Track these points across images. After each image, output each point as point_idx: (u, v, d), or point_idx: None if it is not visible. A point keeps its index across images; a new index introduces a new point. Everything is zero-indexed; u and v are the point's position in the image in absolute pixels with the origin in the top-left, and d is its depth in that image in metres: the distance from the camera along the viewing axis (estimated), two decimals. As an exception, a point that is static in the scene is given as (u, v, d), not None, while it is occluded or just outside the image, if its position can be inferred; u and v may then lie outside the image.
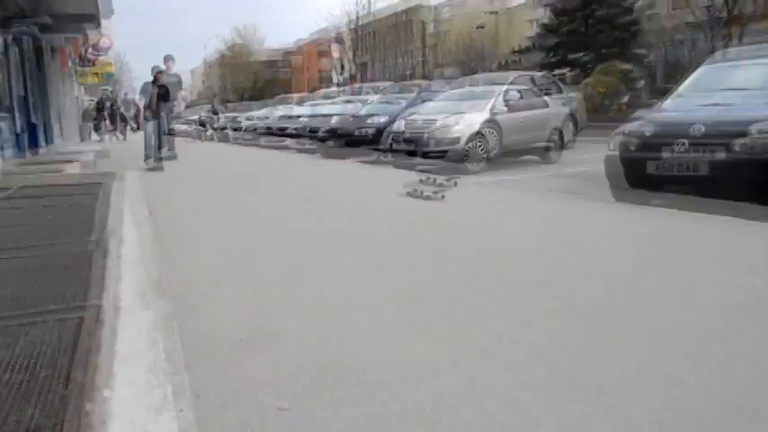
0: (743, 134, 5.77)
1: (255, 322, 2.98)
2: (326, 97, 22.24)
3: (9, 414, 1.65)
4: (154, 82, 12.22)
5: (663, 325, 2.88)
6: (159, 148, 12.22)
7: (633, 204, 6.38)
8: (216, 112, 30.36)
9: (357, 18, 58.69)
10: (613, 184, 6.86)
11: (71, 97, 28.96)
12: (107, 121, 30.78)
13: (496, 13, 54.27)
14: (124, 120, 33.56)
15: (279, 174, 11.09)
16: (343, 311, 3.14)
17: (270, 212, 6.45)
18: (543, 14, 40.26)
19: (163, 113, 12.24)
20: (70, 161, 9.79)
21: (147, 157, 12.23)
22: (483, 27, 53.76)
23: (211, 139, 26.87)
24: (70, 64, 26.21)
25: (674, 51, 31.37)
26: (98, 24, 17.90)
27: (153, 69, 12.59)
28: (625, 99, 23.70)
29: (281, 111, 24.60)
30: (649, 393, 2.18)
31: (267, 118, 24.64)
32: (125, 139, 30.08)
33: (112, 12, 18.48)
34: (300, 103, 24.79)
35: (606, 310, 3.11)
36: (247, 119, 27.21)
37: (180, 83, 13.06)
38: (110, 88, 40.64)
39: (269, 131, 22.28)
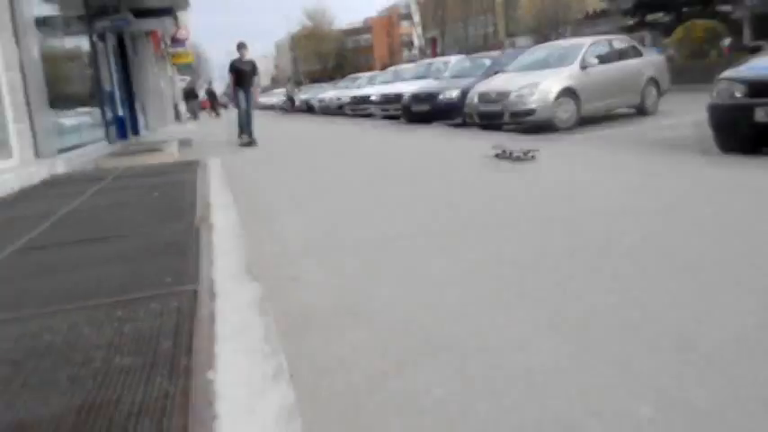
0: None
1: (352, 293, 3.03)
2: (396, 76, 21.81)
3: (140, 384, 1.76)
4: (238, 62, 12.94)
5: (781, 281, 2.71)
6: (247, 125, 12.95)
7: (740, 156, 6.03)
8: (291, 98, 33.98)
9: None
10: (718, 134, 6.48)
11: (166, 79, 30.20)
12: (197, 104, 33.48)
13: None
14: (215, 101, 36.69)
15: (365, 143, 11.18)
16: (441, 278, 3.14)
17: (355, 181, 6.51)
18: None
19: (241, 95, 12.93)
20: (158, 149, 10.17)
21: (240, 134, 13.11)
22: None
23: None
24: (162, 46, 27.27)
25: (762, 6, 28.89)
26: (175, 17, 18.50)
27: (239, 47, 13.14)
28: (727, 43, 22.23)
29: (351, 91, 24.60)
30: (766, 352, 2.07)
31: (339, 99, 24.81)
32: (218, 116, 32.93)
33: (188, 4, 18.99)
34: (372, 81, 24.62)
35: (718, 269, 2.96)
36: (320, 101, 27.44)
37: (254, 69, 13.16)
38: (188, 78, 42.50)
39: (354, 100, 22.44)
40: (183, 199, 5.06)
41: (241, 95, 12.92)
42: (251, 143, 12.67)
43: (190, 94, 34.26)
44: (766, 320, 2.33)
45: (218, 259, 3.07)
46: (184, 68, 42.88)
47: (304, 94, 33.28)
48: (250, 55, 13.26)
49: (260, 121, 16.22)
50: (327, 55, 77.65)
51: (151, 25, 20.13)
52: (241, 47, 12.95)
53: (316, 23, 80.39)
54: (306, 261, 3.63)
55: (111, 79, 14.82)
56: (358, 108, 21.73)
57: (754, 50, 8.31)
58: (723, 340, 2.19)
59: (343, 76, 47.37)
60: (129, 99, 17.18)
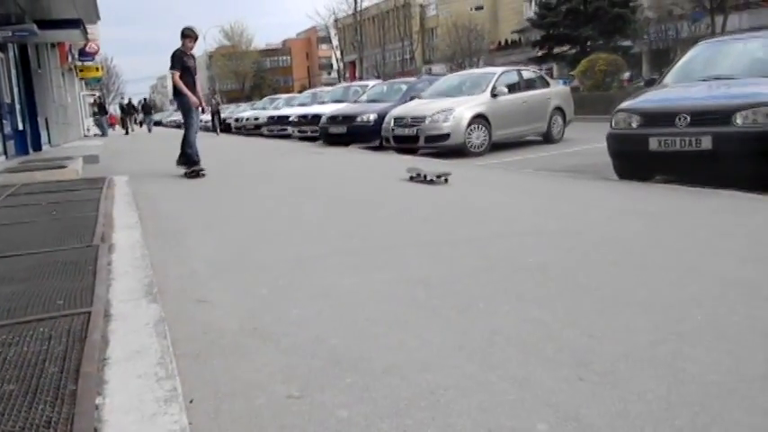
0: (743, 108, 5.74)
1: (262, 311, 2.98)
2: (315, 98, 21.87)
3: (20, 411, 1.65)
4: (183, 55, 9.21)
5: (670, 300, 2.87)
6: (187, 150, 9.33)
7: (637, 182, 6.37)
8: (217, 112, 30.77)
9: (352, 14, 58.00)
10: (616, 161, 6.83)
11: (72, 93, 28.99)
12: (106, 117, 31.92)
13: (482, 8, 54.06)
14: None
15: (280, 163, 11.09)
16: (352, 299, 3.14)
17: (272, 200, 6.44)
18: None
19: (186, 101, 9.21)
20: (61, 165, 9.70)
21: (183, 158, 9.43)
22: (482, 8, 53.58)
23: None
24: (70, 59, 26.21)
25: (659, 41, 31.09)
26: (84, 30, 17.83)
27: (181, 31, 9.30)
28: (626, 76, 23.61)
29: (269, 111, 24.57)
30: (658, 369, 2.18)
31: (257, 119, 24.78)
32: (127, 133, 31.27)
33: (98, 17, 18.33)
34: (290, 102, 24.63)
35: (616, 288, 3.11)
36: (236, 120, 27.28)
37: (195, 66, 9.62)
38: (97, 93, 40.98)
39: (271, 121, 22.33)
40: (84, 217, 4.85)
41: (187, 101, 9.14)
42: (197, 171, 9.10)
43: (99, 109, 33.03)
44: (656, 338, 2.46)
45: (116, 280, 2.94)
46: (94, 82, 41.34)
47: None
48: (197, 48, 9.89)
49: (171, 141, 15.78)
50: (245, 75, 76.90)
51: (58, 37, 19.33)
52: (187, 34, 9.17)
53: (234, 43, 79.55)
54: (214, 283, 3.54)
55: (11, 91, 14.08)
56: (275, 128, 21.61)
57: (650, 83, 8.85)
58: (616, 357, 2.29)
59: (261, 96, 47.00)
60: (32, 113, 16.36)
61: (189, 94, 9.03)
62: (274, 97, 29.62)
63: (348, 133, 14.31)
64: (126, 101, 40.11)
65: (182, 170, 9.27)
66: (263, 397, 2.12)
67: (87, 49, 26.67)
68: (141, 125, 36.35)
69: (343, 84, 26.24)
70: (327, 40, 70.98)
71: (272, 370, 2.33)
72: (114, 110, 39.04)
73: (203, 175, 9.01)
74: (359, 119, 14.26)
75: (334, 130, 14.81)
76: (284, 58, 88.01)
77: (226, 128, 28.24)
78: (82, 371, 1.85)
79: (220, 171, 9.82)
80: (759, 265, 3.39)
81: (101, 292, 2.70)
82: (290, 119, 19.76)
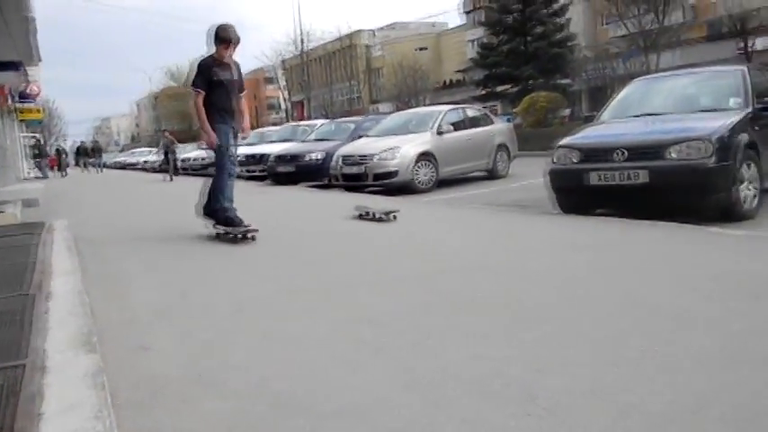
0: (677, 142, 5.99)
1: (206, 360, 2.91)
2: (262, 138, 21.78)
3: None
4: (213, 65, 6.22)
5: (611, 331, 2.93)
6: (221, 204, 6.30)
7: (578, 215, 6.54)
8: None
9: (302, 53, 58.46)
10: (558, 196, 7.01)
11: (12, 135, 28.16)
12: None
13: (426, 48, 55.71)
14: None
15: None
16: (298, 340, 3.10)
17: (217, 244, 6.34)
18: (478, 33, 41.33)
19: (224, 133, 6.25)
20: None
21: (210, 209, 6.42)
22: (426, 48, 54.98)
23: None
24: (9, 101, 25.53)
25: (597, 80, 32.42)
26: (24, 72, 17.43)
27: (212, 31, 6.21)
28: (566, 113, 24.41)
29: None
30: (602, 401, 2.21)
31: (203, 159, 24.37)
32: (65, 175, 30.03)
33: (40, 59, 17.95)
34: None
35: (560, 321, 3.15)
36: (182, 161, 26.44)
37: (242, 81, 6.59)
38: (38, 136, 40.03)
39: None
40: (21, 264, 4.67)
41: (223, 134, 6.20)
42: (242, 233, 6.08)
43: (39, 152, 32.27)
44: (599, 370, 2.50)
45: (53, 330, 2.83)
46: (35, 124, 40.36)
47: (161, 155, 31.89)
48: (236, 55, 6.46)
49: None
50: (191, 115, 76.12)
51: (2, 80, 18.82)
52: (223, 38, 6.14)
53: (180, 83, 78.91)
54: (157, 329, 3.44)
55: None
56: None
57: (589, 119, 9.17)
58: (561, 390, 2.31)
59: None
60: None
61: (209, 130, 6.11)
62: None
63: (296, 172, 14.29)
64: (70, 143, 39.50)
65: (204, 223, 6.50)
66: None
67: (28, 90, 26.05)
68: (89, 167, 35.56)
69: (291, 123, 26.11)
70: (274, 80, 71.17)
71: (217, 418, 2.27)
72: (52, 152, 38.04)
73: (252, 237, 6.07)
74: (307, 158, 14.27)
75: (282, 168, 14.77)
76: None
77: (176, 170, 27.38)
78: (16, 427, 1.77)
79: (163, 212, 9.63)
80: (694, 294, 3.50)
81: (36, 344, 2.60)
82: (238, 158, 19.57)
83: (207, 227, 6.44)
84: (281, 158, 15.00)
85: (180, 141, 37.28)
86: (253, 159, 18.08)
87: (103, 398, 2.12)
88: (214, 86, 6.15)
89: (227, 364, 2.80)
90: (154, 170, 32.08)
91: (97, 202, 13.31)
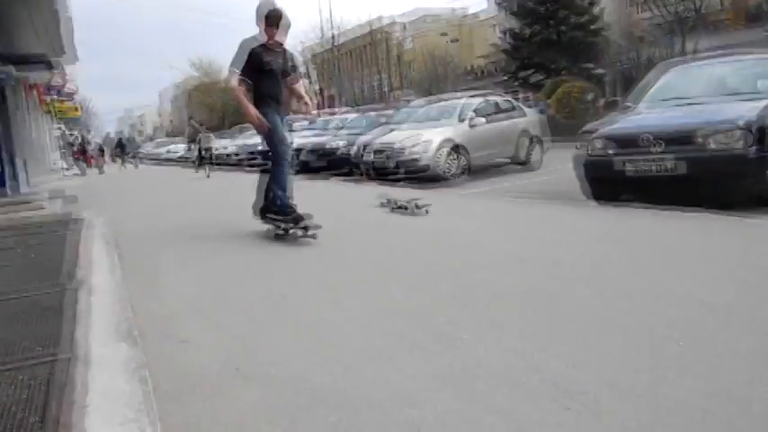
0: (714, 132, 5.86)
1: (243, 353, 2.95)
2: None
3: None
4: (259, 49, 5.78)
5: (650, 326, 2.89)
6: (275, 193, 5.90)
7: (611, 205, 6.45)
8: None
9: (329, 47, 58.32)
10: (593, 186, 6.91)
11: (51, 132, 28.77)
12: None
13: (458, 40, 55.28)
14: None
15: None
16: (333, 334, 3.12)
17: (251, 239, 6.40)
18: (510, 23, 40.87)
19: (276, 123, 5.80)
20: (39, 206, 9.55)
21: (261, 209, 6.13)
22: (457, 41, 54.65)
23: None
24: (48, 99, 26.10)
25: (630, 67, 31.73)
26: (51, 67, 17.72)
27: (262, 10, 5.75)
28: (600, 102, 24.00)
29: (241, 141, 24.24)
30: (640, 397, 2.18)
31: (237, 155, 24.39)
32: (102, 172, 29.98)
33: (77, 58, 18.21)
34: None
35: (597, 315, 3.12)
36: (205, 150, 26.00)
37: (295, 68, 6.35)
38: (75, 133, 40.55)
39: (251, 156, 22.24)
40: (64, 259, 4.79)
41: (273, 120, 5.76)
42: (304, 227, 5.66)
43: (78, 149, 32.74)
44: (638, 365, 2.47)
45: (96, 323, 2.90)
46: (73, 122, 41.12)
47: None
48: (287, 40, 6.04)
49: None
50: (217, 106, 76.11)
51: (36, 78, 19.23)
52: (270, 16, 5.73)
53: (203, 73, 79.14)
54: (194, 322, 3.50)
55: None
56: (255, 161, 21.51)
57: (610, 105, 9.00)
58: (600, 386, 2.29)
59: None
60: (10, 154, 16.20)
61: (252, 113, 5.61)
62: (244, 126, 29.14)
63: (328, 165, 14.37)
64: (109, 136, 39.52)
65: (261, 224, 6.16)
66: (263, 424, 2.10)
67: (66, 89, 26.61)
68: (126, 163, 35.57)
69: (319, 113, 25.93)
70: (305, 74, 71.27)
71: (256, 411, 2.30)
72: (92, 148, 38.30)
73: (312, 235, 5.62)
74: (338, 151, 14.34)
75: (313, 162, 14.86)
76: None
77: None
78: (62, 419, 1.82)
79: (192, 206, 9.75)
80: (734, 287, 3.43)
81: (79, 337, 2.66)
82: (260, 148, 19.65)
83: (266, 227, 6.13)
84: (313, 152, 15.10)
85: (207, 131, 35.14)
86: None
87: (146, 391, 2.16)
88: (262, 74, 5.76)
89: (264, 358, 2.84)
90: (175, 161, 31.76)
91: (133, 200, 13.54)
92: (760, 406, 2.06)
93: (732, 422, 1.97)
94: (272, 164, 5.96)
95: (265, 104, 5.76)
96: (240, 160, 23.54)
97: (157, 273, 4.91)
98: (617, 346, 2.67)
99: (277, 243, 5.83)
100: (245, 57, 5.70)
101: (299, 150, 16.56)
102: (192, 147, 19.49)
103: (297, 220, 5.71)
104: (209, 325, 3.43)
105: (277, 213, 5.88)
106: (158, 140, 51.31)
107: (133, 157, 34.68)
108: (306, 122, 14.53)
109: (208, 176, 17.82)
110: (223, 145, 25.81)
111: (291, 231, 5.79)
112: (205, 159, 19.26)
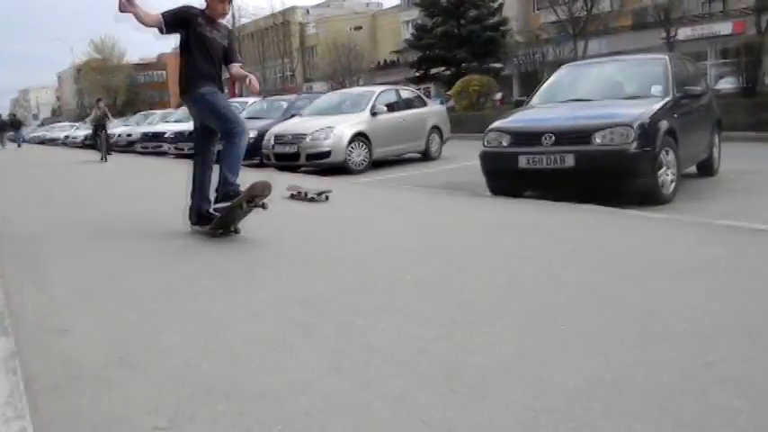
0: (602, 128, 6.17)
1: (129, 343, 2.83)
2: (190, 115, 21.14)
3: None
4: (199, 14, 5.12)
5: (536, 311, 3.01)
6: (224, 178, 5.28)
7: (508, 198, 6.68)
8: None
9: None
10: (489, 178, 7.12)
11: None
12: None
13: (361, 27, 55.46)
14: None
15: (155, 183, 10.64)
16: (226, 322, 3.04)
17: (146, 222, 6.16)
18: (414, 15, 41.39)
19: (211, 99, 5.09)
20: None
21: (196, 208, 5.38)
22: (361, 28, 54.71)
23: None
24: None
25: (528, 65, 33.00)
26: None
27: None
28: (498, 96, 24.77)
29: (142, 127, 23.64)
30: (524, 379, 2.27)
31: (129, 135, 23.74)
32: None
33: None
34: (166, 118, 23.70)
35: (487, 301, 3.21)
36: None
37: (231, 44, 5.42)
38: None
39: (146, 137, 21.47)
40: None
41: (212, 98, 5.08)
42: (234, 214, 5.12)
43: None
44: (523, 348, 2.56)
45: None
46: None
47: (88, 130, 30.54)
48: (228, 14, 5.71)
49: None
50: (117, 89, 73.13)
51: None
52: None
53: (104, 56, 75.58)
54: (77, 311, 3.32)
55: None
56: (150, 145, 20.76)
57: (519, 104, 9.33)
58: (486, 369, 2.36)
59: (134, 111, 44.91)
60: None
61: (144, 18, 4.82)
62: (148, 113, 28.26)
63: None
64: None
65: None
66: (128, 430, 2.01)
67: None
68: (6, 142, 33.37)
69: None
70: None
71: (139, 401, 2.21)
72: None
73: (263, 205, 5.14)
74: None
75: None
76: (159, 72, 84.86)
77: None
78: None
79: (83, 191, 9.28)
80: (614, 275, 3.63)
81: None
82: (166, 135, 19.07)
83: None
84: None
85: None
86: (182, 137, 17.65)
87: (15, 382, 2.02)
88: (193, 43, 4.99)
89: (151, 347, 2.73)
90: (75, 146, 30.51)
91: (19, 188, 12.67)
92: (635, 386, 2.19)
93: (608, 402, 2.08)
94: (224, 142, 5.23)
95: (201, 79, 5.03)
96: (131, 143, 22.70)
97: (38, 258, 4.62)
98: (504, 330, 2.76)
99: (176, 232, 5.63)
100: (178, 10, 5.02)
101: (192, 134, 16.08)
102: (100, 132, 18.06)
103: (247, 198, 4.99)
104: (93, 313, 3.26)
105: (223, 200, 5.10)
106: (60, 125, 48.01)
107: (13, 140, 32.72)
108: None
109: (104, 160, 17.30)
110: (120, 129, 24.90)
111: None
112: (100, 142, 18.28)
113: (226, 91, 5.14)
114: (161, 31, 4.97)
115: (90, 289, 3.74)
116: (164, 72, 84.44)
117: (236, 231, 5.18)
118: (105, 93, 66.64)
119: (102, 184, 11.06)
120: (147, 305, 3.37)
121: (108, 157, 17.65)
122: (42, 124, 70.26)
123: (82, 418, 2.09)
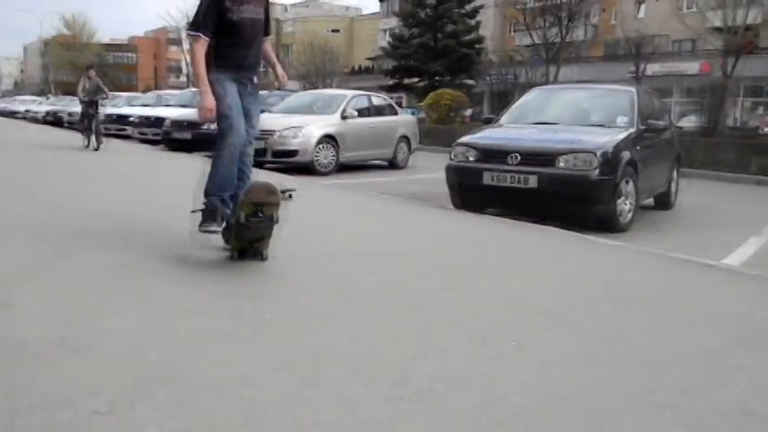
0: (565, 152, 6.29)
1: (75, 323, 2.76)
2: (160, 100, 20.65)
3: None
4: None
5: (487, 325, 3.04)
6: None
7: (470, 213, 6.74)
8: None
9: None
10: (453, 192, 7.18)
11: None
12: None
13: (338, 30, 55.45)
14: None
15: (104, 165, 10.43)
16: (176, 309, 3.00)
17: (101, 204, 6.03)
18: (391, 23, 41.59)
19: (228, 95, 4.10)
20: None
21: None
22: (338, 31, 54.70)
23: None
24: None
25: (499, 84, 33.45)
26: None
27: None
28: (468, 112, 24.97)
29: (107, 109, 23.12)
30: (472, 390, 2.29)
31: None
32: None
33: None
34: (132, 102, 23.20)
35: (441, 311, 3.24)
36: (69, 114, 24.29)
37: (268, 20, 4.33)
38: None
39: (109, 119, 20.99)
40: None
41: (229, 95, 4.07)
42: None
43: None
44: (472, 360, 2.58)
45: None
46: None
47: (52, 106, 29.72)
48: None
49: None
50: (84, 67, 71.51)
51: None
52: None
53: (74, 33, 73.86)
54: (22, 287, 3.23)
55: None
56: (113, 128, 20.31)
57: (488, 121, 9.44)
58: (434, 377, 2.38)
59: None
60: None
61: (205, 90, 3.98)
62: (114, 94, 27.60)
63: (193, 140, 13.77)
64: None
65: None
66: (66, 411, 1.96)
67: None
68: None
69: (192, 89, 24.97)
70: (178, 42, 68.23)
71: (79, 383, 2.15)
72: None
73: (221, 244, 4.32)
74: (204, 126, 13.79)
75: (177, 135, 14.20)
76: (130, 55, 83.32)
77: (57, 121, 25.06)
78: None
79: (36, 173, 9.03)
80: (566, 296, 3.70)
81: None
82: (131, 119, 18.71)
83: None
84: (178, 124, 14.40)
85: (68, 94, 31.67)
86: (147, 121, 17.36)
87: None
88: (220, 27, 3.97)
89: (97, 329, 2.67)
90: (36, 120, 29.34)
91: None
92: (575, 405, 2.23)
93: (551, 420, 2.11)
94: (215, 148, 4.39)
95: (212, 68, 4.03)
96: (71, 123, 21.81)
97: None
98: (456, 342, 2.78)
99: (135, 217, 5.53)
100: (212, 13, 3.93)
101: (159, 120, 15.74)
102: (91, 111, 13.50)
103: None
104: (40, 290, 3.18)
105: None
106: (21, 98, 46.22)
107: None
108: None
109: (96, 148, 12.84)
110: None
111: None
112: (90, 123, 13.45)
113: (255, 80, 4.29)
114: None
115: (36, 266, 3.65)
116: (134, 55, 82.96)
117: (263, 258, 4.02)
118: (72, 70, 65.07)
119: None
120: (98, 286, 3.29)
121: (101, 145, 12.91)
122: (3, 96, 68.22)
123: (17, 397, 2.03)
